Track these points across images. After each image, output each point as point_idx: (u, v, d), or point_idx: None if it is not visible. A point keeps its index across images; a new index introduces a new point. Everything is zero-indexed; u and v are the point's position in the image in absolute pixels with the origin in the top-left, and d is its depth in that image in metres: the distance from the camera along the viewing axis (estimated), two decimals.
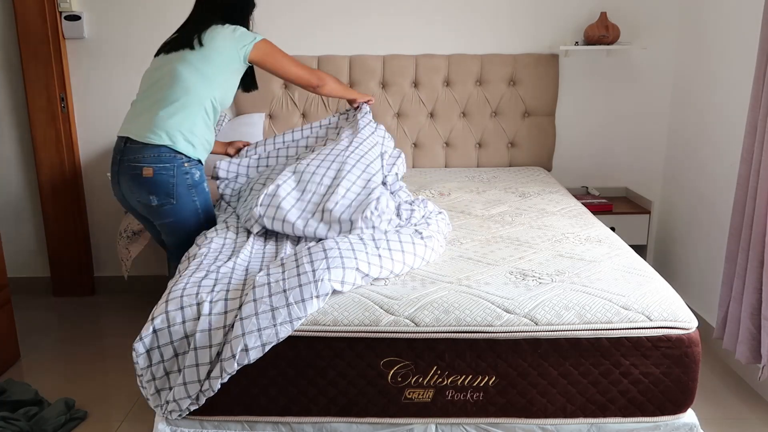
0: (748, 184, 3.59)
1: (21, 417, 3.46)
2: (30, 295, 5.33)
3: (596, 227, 3.58)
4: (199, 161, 3.47)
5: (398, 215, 3.28)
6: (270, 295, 2.55)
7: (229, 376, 2.51)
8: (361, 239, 2.92)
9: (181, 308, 2.59)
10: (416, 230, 3.09)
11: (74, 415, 3.60)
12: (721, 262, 4.16)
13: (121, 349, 4.38)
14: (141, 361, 2.63)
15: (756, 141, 3.47)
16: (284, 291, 2.56)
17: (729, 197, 4.12)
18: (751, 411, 3.65)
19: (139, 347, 2.61)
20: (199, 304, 2.58)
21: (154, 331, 2.59)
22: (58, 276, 5.30)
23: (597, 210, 4.66)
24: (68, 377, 4.12)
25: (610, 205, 4.79)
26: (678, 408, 2.63)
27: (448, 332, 2.54)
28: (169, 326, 2.57)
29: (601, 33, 4.73)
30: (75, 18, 4.87)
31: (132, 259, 4.58)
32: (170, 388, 2.60)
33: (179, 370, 2.57)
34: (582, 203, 4.17)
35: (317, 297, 2.56)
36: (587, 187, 5.16)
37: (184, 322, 2.57)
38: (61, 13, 4.86)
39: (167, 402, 2.60)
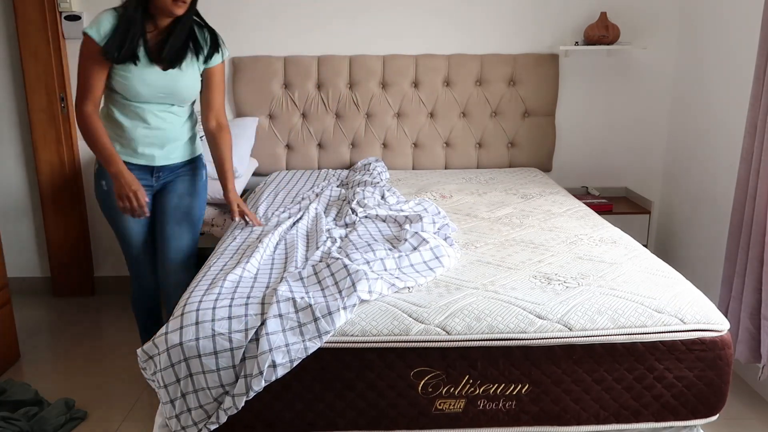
0: (748, 184, 3.50)
1: (21, 417, 3.33)
2: (30, 295, 5.15)
3: (606, 228, 3.44)
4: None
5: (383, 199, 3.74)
6: (296, 311, 2.33)
7: (255, 393, 2.25)
8: (381, 259, 2.76)
9: (181, 328, 2.33)
10: (424, 239, 2.93)
11: (74, 415, 3.47)
12: (721, 261, 4.06)
13: (121, 349, 4.27)
14: (147, 369, 2.39)
15: (756, 141, 3.39)
16: (310, 306, 2.33)
17: (729, 197, 4.02)
18: (751, 411, 3.54)
19: (140, 354, 2.40)
20: (198, 324, 2.32)
21: (154, 343, 2.36)
22: (58, 276, 5.12)
23: (597, 210, 4.47)
24: (68, 377, 3.97)
25: (610, 205, 4.62)
26: (710, 411, 2.48)
27: (481, 340, 2.34)
28: (168, 349, 2.31)
29: (601, 33, 4.57)
30: (75, 18, 4.67)
31: None
32: (172, 402, 2.34)
33: (177, 380, 2.31)
34: (582, 203, 4.02)
35: (344, 309, 2.34)
36: (587, 187, 5.00)
37: (181, 344, 2.30)
38: (61, 13, 4.67)
39: (169, 417, 2.35)
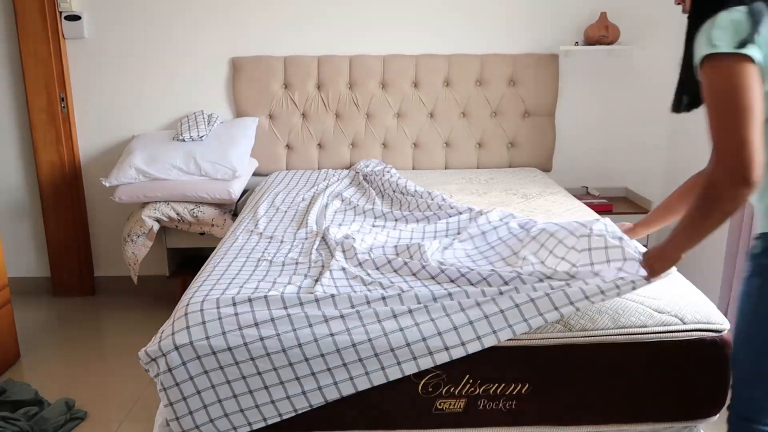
0: None
1: (21, 417, 3.32)
2: (30, 295, 5.13)
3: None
4: None
5: None
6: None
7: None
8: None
9: (187, 327, 2.32)
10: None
11: (74, 415, 3.46)
12: (721, 261, 4.02)
13: (121, 349, 4.26)
14: (151, 370, 2.35)
15: None
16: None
17: None
18: None
19: (143, 356, 2.34)
20: (205, 323, 2.32)
21: (159, 347, 2.30)
22: (58, 276, 5.10)
23: (597, 210, 4.44)
24: (68, 377, 3.95)
25: (610, 205, 4.61)
26: (710, 411, 2.45)
27: None
28: (177, 348, 2.28)
29: (601, 33, 4.56)
30: (75, 18, 4.66)
31: (139, 263, 4.39)
32: (174, 404, 2.32)
33: (188, 380, 2.29)
34: (582, 203, 4.00)
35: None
36: (587, 187, 4.98)
37: (191, 343, 2.28)
38: (61, 13, 4.66)
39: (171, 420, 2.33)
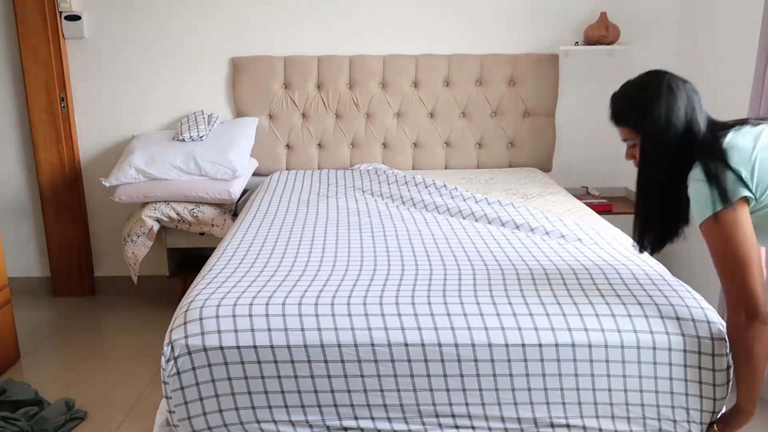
0: None
1: (21, 417, 3.32)
2: (30, 295, 5.13)
3: (606, 228, 3.41)
4: None
5: None
6: None
7: None
8: None
9: (219, 332, 2.32)
10: None
11: (74, 415, 3.45)
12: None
13: (121, 349, 4.26)
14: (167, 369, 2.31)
15: None
16: None
17: None
18: None
19: (166, 352, 2.30)
20: (237, 332, 2.30)
21: (187, 344, 2.29)
22: (58, 276, 5.10)
23: (597, 210, 4.41)
24: (68, 377, 3.96)
25: (610, 205, 4.59)
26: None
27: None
28: (205, 349, 2.28)
29: (601, 33, 4.56)
30: (75, 18, 4.67)
31: (139, 263, 4.39)
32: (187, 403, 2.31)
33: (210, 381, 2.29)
34: (582, 203, 4.01)
35: None
36: (587, 187, 4.97)
37: (221, 347, 2.28)
38: (61, 13, 4.66)
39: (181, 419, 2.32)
